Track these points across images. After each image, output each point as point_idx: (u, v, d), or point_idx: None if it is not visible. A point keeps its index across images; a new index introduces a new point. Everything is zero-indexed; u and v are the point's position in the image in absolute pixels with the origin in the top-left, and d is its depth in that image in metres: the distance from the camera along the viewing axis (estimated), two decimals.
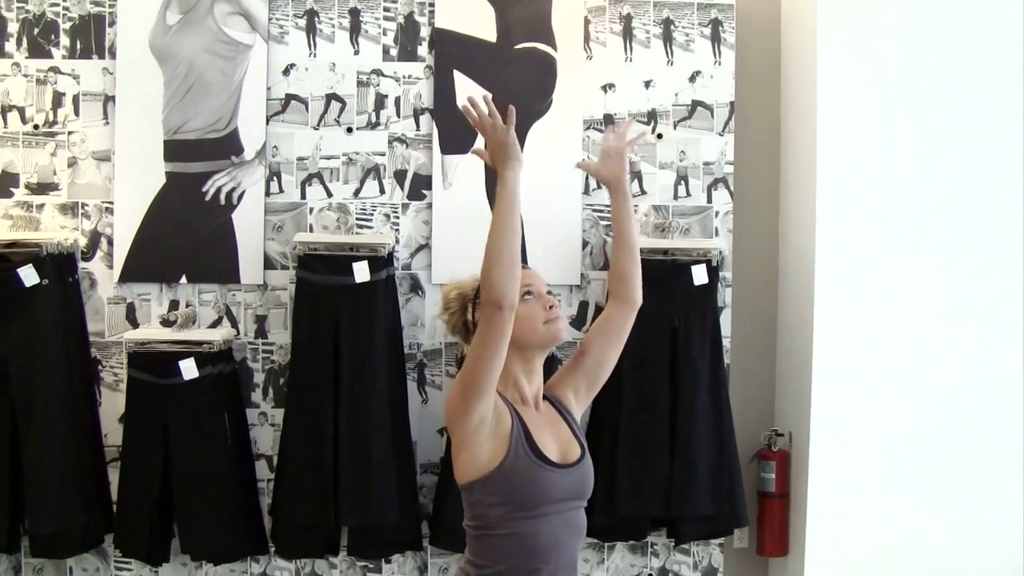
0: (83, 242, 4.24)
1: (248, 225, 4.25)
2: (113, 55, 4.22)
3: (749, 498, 4.40)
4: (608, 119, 4.38)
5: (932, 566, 4.34)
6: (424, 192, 4.32)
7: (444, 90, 4.30)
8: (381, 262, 4.10)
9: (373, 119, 4.31)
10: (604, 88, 4.39)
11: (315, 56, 4.30)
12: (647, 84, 4.41)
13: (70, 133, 4.23)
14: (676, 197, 4.42)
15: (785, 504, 4.43)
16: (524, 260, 4.29)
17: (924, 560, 4.33)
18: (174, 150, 4.24)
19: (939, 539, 4.34)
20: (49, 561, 4.25)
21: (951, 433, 4.33)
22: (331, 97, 4.30)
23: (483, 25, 4.33)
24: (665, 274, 4.21)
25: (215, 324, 4.27)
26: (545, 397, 2.62)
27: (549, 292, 2.53)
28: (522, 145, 4.30)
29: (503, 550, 2.42)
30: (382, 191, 4.31)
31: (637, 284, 2.70)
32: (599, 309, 4.35)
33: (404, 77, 4.33)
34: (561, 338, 2.58)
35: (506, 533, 2.41)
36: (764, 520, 4.45)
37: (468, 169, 4.30)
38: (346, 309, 4.07)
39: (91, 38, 4.23)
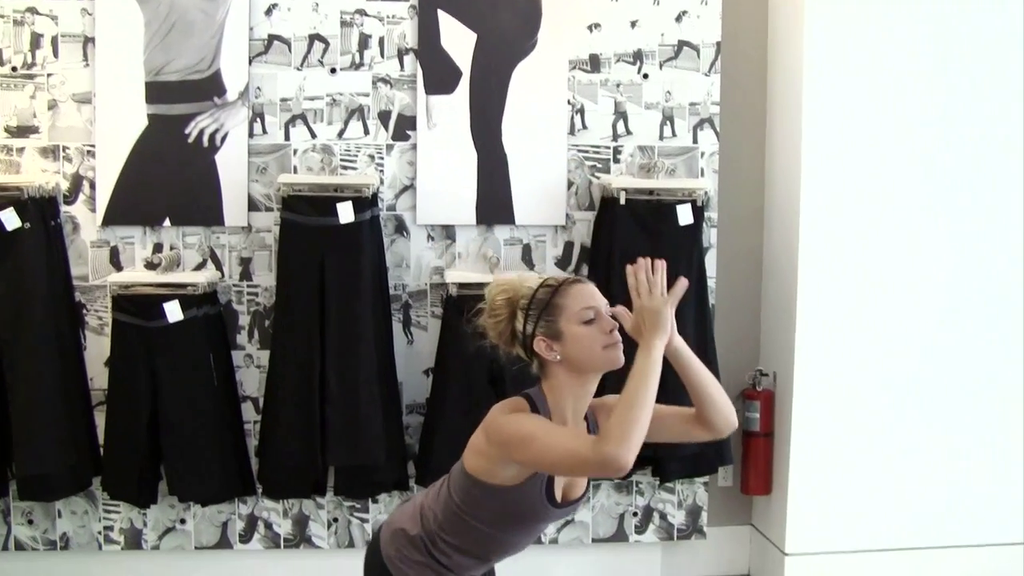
0: (65, 185, 4.21)
1: (232, 167, 4.22)
2: None
3: (733, 437, 4.42)
4: (594, 60, 4.34)
5: (915, 504, 4.40)
6: (408, 133, 4.29)
7: (428, 30, 4.26)
8: (366, 203, 4.09)
9: (357, 59, 4.27)
10: (590, 28, 4.35)
11: None
12: (633, 24, 4.37)
13: (49, 75, 4.18)
14: (662, 137, 4.40)
15: (769, 443, 4.47)
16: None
17: (906, 498, 4.39)
18: (156, 92, 4.19)
19: (922, 477, 4.39)
20: (38, 504, 4.27)
21: (936, 372, 4.37)
22: (314, 37, 4.25)
23: None
24: (650, 214, 4.20)
25: (199, 267, 4.26)
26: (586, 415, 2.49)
27: (613, 316, 2.40)
28: (507, 86, 4.39)
29: (470, 536, 2.42)
30: (366, 132, 4.28)
31: (725, 415, 2.46)
32: (584, 251, 4.36)
33: (388, 17, 4.28)
34: (619, 363, 2.37)
35: (482, 529, 2.41)
36: (748, 459, 4.49)
37: (452, 110, 4.27)
38: (331, 250, 4.05)
39: None
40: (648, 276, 2.28)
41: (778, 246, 4.48)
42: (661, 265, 2.29)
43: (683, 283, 2.33)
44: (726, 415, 2.46)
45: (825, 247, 4.27)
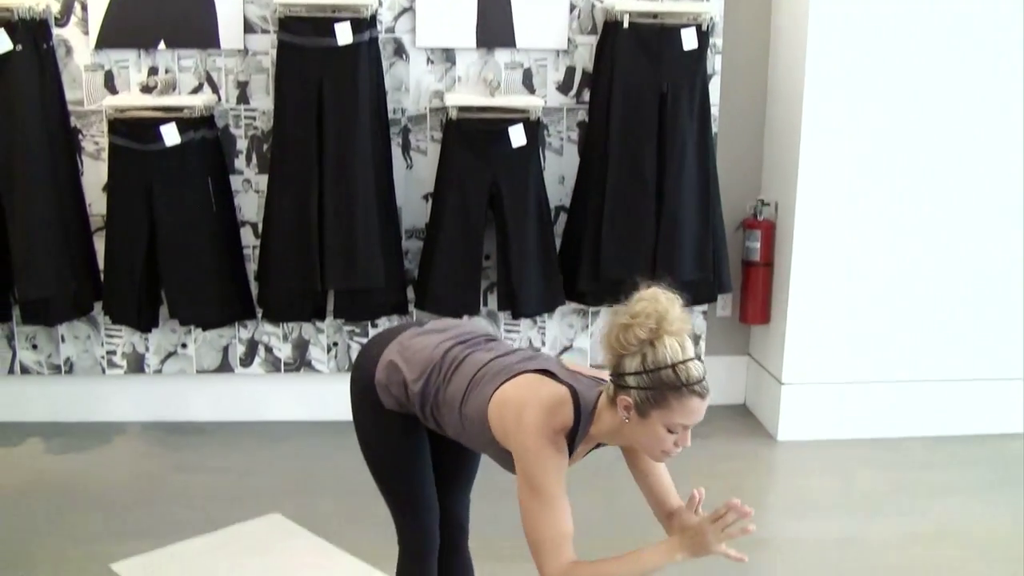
0: (56, 7, 4.11)
1: None
2: None
3: (733, 267, 4.44)
4: None
5: (912, 336, 4.42)
6: None
7: None
8: (364, 24, 3.99)
9: None
10: None
11: None
12: None
13: None
14: None
15: (769, 273, 4.47)
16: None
17: (904, 330, 4.41)
18: None
19: (920, 310, 4.40)
20: (41, 329, 4.30)
21: (939, 204, 4.33)
22: None
23: None
24: (653, 38, 4.11)
25: (196, 90, 4.20)
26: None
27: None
28: None
29: (456, 429, 2.42)
30: None
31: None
32: (586, 76, 4.27)
33: None
34: (660, 463, 2.39)
35: (475, 442, 2.41)
36: (747, 288, 4.50)
37: None
38: (329, 72, 3.99)
39: None
40: (735, 523, 2.15)
41: (783, 74, 4.40)
42: (750, 530, 2.15)
43: (741, 560, 2.20)
44: None
45: (831, 75, 4.18)
